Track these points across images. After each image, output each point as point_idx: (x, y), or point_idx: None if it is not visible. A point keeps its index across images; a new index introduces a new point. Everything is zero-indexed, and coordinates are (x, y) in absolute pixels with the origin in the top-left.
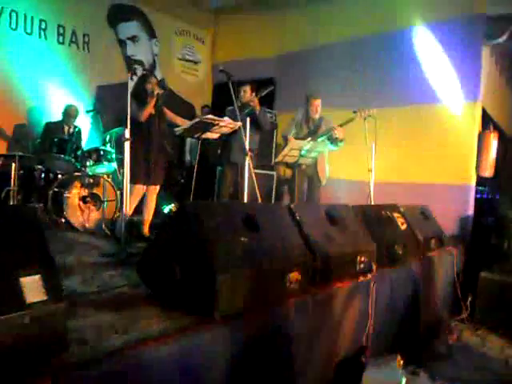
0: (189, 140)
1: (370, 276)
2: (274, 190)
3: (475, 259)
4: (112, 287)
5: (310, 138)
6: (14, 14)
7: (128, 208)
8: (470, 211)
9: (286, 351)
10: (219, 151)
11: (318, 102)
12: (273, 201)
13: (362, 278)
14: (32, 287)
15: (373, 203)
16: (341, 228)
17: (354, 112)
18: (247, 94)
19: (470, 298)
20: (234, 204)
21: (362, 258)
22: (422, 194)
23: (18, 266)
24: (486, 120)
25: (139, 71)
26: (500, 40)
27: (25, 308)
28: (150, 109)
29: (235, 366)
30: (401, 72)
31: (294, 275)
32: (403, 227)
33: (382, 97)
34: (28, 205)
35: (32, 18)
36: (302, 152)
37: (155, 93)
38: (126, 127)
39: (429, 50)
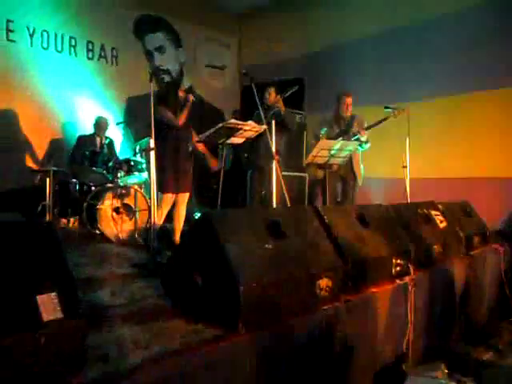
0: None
1: (407, 279)
2: (306, 192)
3: None
4: (139, 299)
5: (341, 138)
6: (45, 34)
7: (158, 217)
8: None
9: (319, 363)
10: (246, 155)
11: (349, 100)
12: (306, 203)
13: (398, 282)
14: (48, 305)
15: (409, 201)
16: (374, 229)
17: (386, 108)
18: (272, 95)
19: None
20: (258, 210)
21: (398, 261)
22: (463, 189)
23: (34, 283)
24: None
25: (167, 80)
26: None
27: (41, 327)
28: (186, 115)
29: (262, 381)
30: (432, 63)
31: (324, 282)
32: (442, 225)
33: (415, 90)
34: (43, 219)
35: (62, 36)
36: (332, 152)
37: (191, 99)
38: (151, 137)
39: (459, 39)
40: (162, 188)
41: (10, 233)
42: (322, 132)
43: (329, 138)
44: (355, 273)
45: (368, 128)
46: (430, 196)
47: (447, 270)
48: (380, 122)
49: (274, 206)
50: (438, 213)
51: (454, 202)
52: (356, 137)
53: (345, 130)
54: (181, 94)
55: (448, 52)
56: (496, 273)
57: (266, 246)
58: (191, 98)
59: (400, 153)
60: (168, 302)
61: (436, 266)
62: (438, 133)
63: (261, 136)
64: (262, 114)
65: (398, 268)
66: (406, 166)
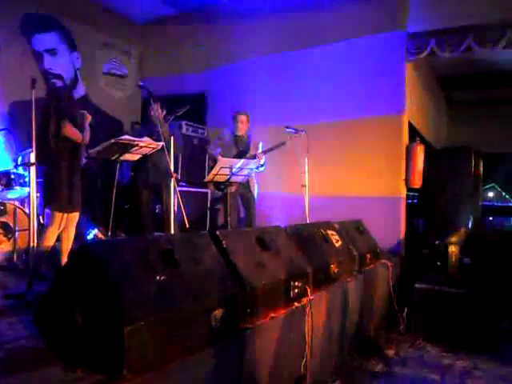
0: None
1: (305, 300)
2: (208, 209)
3: (410, 271)
4: (9, 341)
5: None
6: None
7: (48, 239)
8: (402, 223)
9: None
10: (132, 173)
11: (243, 118)
12: (207, 221)
13: (296, 304)
14: None
15: (308, 219)
16: (273, 253)
17: (287, 128)
18: (157, 112)
19: (406, 310)
20: (148, 239)
21: (297, 283)
22: (356, 207)
23: None
24: (413, 133)
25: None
26: (421, 56)
27: None
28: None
29: None
30: (329, 87)
31: (220, 311)
32: (338, 244)
33: (313, 112)
34: None
35: None
36: (234, 170)
37: (89, 120)
38: (32, 149)
39: (354, 65)
40: (54, 206)
41: None
42: (217, 153)
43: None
44: (253, 299)
45: (265, 152)
46: (326, 213)
47: (342, 288)
48: (277, 146)
49: (172, 227)
50: (334, 232)
51: (348, 220)
52: (254, 160)
53: (243, 152)
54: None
55: (344, 77)
56: (386, 287)
57: (158, 277)
58: (89, 117)
59: (300, 170)
60: (42, 344)
61: (332, 284)
62: (333, 153)
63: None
64: (154, 129)
65: (296, 290)
66: (305, 185)
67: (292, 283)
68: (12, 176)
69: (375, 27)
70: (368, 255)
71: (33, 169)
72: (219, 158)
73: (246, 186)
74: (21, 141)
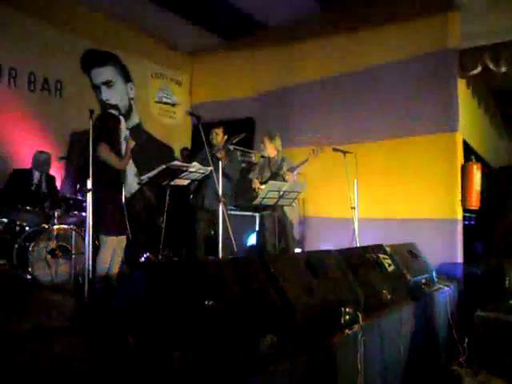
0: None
1: (356, 327)
2: (256, 232)
3: (469, 297)
4: (63, 361)
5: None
6: None
7: (103, 261)
8: (460, 246)
9: None
10: (191, 197)
11: (265, 140)
12: (255, 245)
13: (347, 331)
14: None
15: (358, 242)
16: (323, 278)
17: (335, 150)
18: (219, 136)
19: (466, 340)
20: (197, 263)
21: (347, 309)
22: (409, 229)
23: None
24: (468, 151)
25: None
26: (474, 72)
27: None
28: (128, 159)
29: None
30: (379, 107)
31: (270, 339)
32: (390, 269)
33: (362, 132)
34: None
35: (0, 65)
36: (281, 193)
37: (131, 144)
38: (88, 177)
39: (405, 83)
40: (107, 230)
41: None
42: (250, 176)
43: (261, 182)
44: (303, 325)
45: (290, 170)
46: (377, 235)
47: (397, 315)
48: (301, 163)
49: (220, 250)
50: (386, 256)
51: (401, 244)
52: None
53: (275, 174)
54: (121, 127)
55: (395, 97)
56: (444, 314)
57: (207, 302)
58: (132, 143)
59: (348, 193)
60: (97, 366)
61: (385, 311)
62: (385, 174)
63: (206, 177)
64: (208, 155)
65: (347, 317)
66: (354, 207)
67: (343, 309)
68: (71, 201)
69: (426, 45)
70: (423, 280)
71: (89, 195)
72: (254, 181)
73: (281, 209)
74: (79, 168)
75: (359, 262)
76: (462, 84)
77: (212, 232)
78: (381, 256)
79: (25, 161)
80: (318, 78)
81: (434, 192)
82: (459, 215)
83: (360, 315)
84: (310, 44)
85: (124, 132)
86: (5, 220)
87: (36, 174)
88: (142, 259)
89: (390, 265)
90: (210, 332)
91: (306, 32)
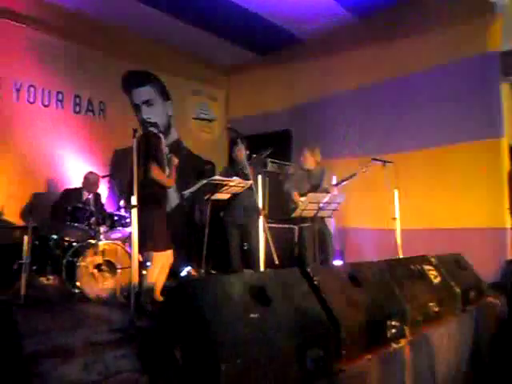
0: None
1: (403, 342)
2: (295, 244)
3: None
4: (113, 373)
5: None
6: (32, 89)
7: (151, 276)
8: (509, 255)
9: None
10: (222, 213)
11: (305, 153)
12: (294, 257)
13: (394, 346)
14: None
15: (401, 254)
16: (367, 289)
17: (374, 160)
18: (241, 152)
19: None
20: (240, 276)
21: (393, 322)
22: (454, 240)
23: None
24: None
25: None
26: None
27: None
28: (175, 177)
29: None
30: (419, 114)
31: (315, 352)
32: (437, 280)
33: (401, 141)
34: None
35: (49, 90)
36: (321, 205)
37: (176, 162)
38: (133, 193)
39: (445, 90)
40: (161, 246)
41: None
42: (285, 187)
43: (301, 194)
44: (347, 338)
45: (336, 185)
46: (420, 247)
47: (445, 329)
48: (348, 178)
49: (262, 264)
50: (432, 267)
51: (446, 254)
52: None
53: (315, 186)
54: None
55: (435, 104)
56: (494, 328)
57: (251, 315)
58: (176, 161)
59: (389, 203)
60: (144, 379)
61: (433, 325)
62: (427, 183)
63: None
64: (232, 171)
65: (393, 330)
66: (395, 218)
67: (388, 322)
68: (116, 218)
69: (465, 49)
70: (472, 292)
71: (134, 211)
72: (295, 195)
73: (322, 221)
74: (122, 185)
75: (403, 274)
76: (505, 88)
77: (245, 245)
78: (426, 267)
79: (71, 179)
80: (355, 87)
81: (480, 200)
82: (508, 224)
83: (406, 329)
84: (348, 54)
85: (165, 149)
86: (55, 236)
87: (85, 193)
88: (184, 273)
89: (435, 276)
90: (255, 344)
91: (344, 43)
